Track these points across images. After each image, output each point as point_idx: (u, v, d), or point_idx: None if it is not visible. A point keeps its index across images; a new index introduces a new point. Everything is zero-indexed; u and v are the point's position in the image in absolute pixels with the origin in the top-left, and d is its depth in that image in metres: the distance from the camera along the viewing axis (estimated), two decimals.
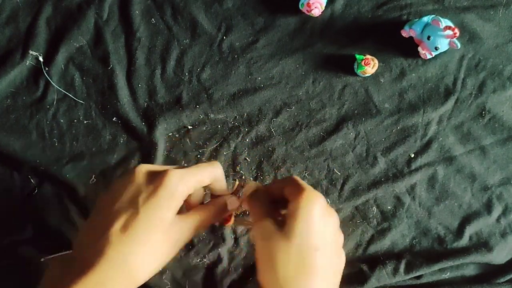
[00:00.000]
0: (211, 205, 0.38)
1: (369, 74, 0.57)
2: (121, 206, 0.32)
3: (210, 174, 0.36)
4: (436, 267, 0.55)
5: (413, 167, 0.57)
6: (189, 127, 0.58)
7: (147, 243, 0.31)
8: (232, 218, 0.44)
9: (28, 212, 0.55)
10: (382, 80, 0.58)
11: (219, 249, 0.56)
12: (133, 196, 0.32)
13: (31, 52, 0.57)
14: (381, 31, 0.58)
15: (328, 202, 0.57)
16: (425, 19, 0.55)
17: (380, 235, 0.57)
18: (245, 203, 0.39)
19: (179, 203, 0.33)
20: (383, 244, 0.57)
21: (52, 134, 0.57)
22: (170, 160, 0.57)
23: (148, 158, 0.56)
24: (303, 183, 0.36)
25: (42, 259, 0.50)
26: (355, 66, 0.57)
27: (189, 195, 0.36)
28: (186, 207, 0.39)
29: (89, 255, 0.30)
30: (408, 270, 0.55)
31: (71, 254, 0.32)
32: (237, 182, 0.42)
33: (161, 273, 0.55)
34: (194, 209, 0.37)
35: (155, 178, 0.32)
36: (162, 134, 0.57)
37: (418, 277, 0.56)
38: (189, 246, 0.56)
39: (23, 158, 0.55)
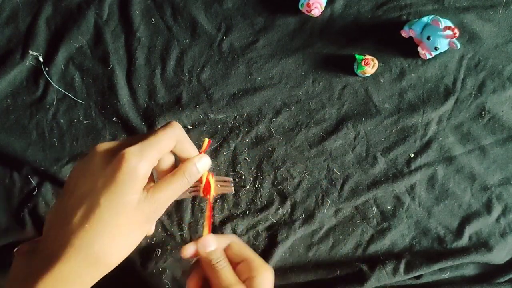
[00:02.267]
0: (180, 170, 0.34)
1: (369, 74, 0.57)
2: (81, 193, 0.30)
3: (170, 139, 0.33)
4: (436, 267, 0.55)
5: (413, 167, 0.57)
6: (189, 127, 0.58)
7: (112, 230, 0.30)
8: (212, 187, 0.40)
9: (28, 212, 0.55)
10: (382, 80, 0.58)
11: None
12: (92, 182, 0.30)
13: (31, 52, 0.57)
14: (381, 31, 0.58)
15: (328, 202, 0.57)
16: (425, 19, 0.55)
17: (380, 235, 0.57)
18: (211, 270, 0.37)
19: (142, 182, 0.31)
20: (383, 244, 0.57)
21: (52, 134, 0.57)
22: None
23: None
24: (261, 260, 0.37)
25: (14, 250, 0.50)
26: (355, 66, 0.57)
27: (158, 163, 0.34)
28: (157, 176, 0.36)
29: (55, 247, 0.30)
30: (408, 270, 0.55)
31: (38, 245, 0.32)
32: (206, 140, 0.39)
33: (161, 273, 0.55)
34: (163, 178, 0.34)
35: (112, 160, 0.30)
36: None
37: (418, 277, 0.56)
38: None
39: (23, 158, 0.55)
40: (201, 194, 0.40)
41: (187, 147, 0.35)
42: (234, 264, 0.38)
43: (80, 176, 0.32)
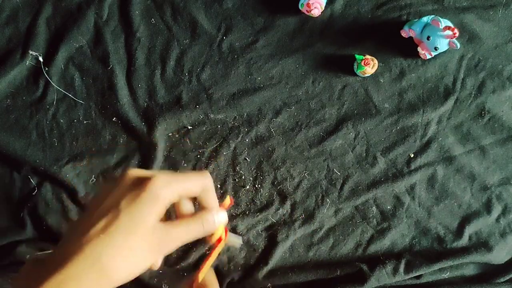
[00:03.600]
0: (198, 216, 0.36)
1: (369, 74, 0.57)
2: (105, 208, 0.32)
3: (198, 183, 0.35)
4: (436, 267, 0.55)
5: (412, 167, 0.57)
6: (189, 127, 0.58)
7: (125, 245, 0.31)
8: (224, 236, 0.41)
9: (28, 212, 0.55)
10: (381, 80, 0.58)
11: None
12: (117, 199, 0.32)
13: (31, 52, 0.57)
14: (380, 31, 0.58)
15: (328, 202, 0.57)
16: (425, 19, 0.55)
17: (380, 235, 0.57)
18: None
19: (162, 208, 0.33)
20: (383, 244, 0.57)
21: (52, 134, 0.57)
22: (170, 160, 0.57)
23: (148, 158, 0.56)
24: None
25: (28, 257, 0.50)
26: (355, 66, 0.57)
27: (178, 205, 0.36)
28: (177, 217, 0.38)
29: (66, 253, 0.31)
30: (407, 270, 0.55)
31: (50, 253, 0.33)
32: (228, 198, 0.41)
33: (161, 279, 0.55)
34: (181, 219, 0.36)
35: (140, 183, 0.33)
36: (162, 134, 0.57)
37: (418, 277, 0.56)
38: (189, 245, 0.56)
39: (23, 158, 0.55)
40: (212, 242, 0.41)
41: (211, 198, 0.37)
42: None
43: (108, 193, 0.33)
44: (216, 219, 0.37)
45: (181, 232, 0.34)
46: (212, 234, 0.39)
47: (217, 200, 0.38)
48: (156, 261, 0.35)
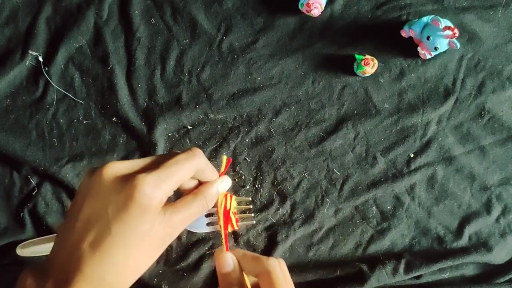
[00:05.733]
0: (199, 193, 0.33)
1: (369, 74, 0.57)
2: (90, 216, 0.29)
3: (190, 168, 0.31)
4: (436, 267, 0.55)
5: (412, 167, 0.57)
6: (189, 127, 0.58)
7: (125, 259, 0.29)
8: (235, 220, 0.38)
9: (28, 212, 0.55)
10: (381, 80, 0.58)
11: None
12: (101, 206, 0.29)
13: (30, 52, 0.57)
14: (380, 31, 0.58)
15: (328, 202, 0.57)
16: (425, 19, 0.55)
17: (380, 235, 0.57)
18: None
19: (156, 212, 0.29)
20: (383, 244, 0.57)
21: (52, 134, 0.57)
22: None
23: None
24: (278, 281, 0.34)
25: (18, 251, 0.49)
26: (355, 66, 0.57)
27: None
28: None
29: (65, 271, 0.28)
30: (407, 270, 0.55)
31: (46, 264, 0.30)
32: (225, 158, 0.37)
33: (161, 279, 0.55)
34: (181, 200, 0.32)
35: (124, 186, 0.28)
36: (162, 134, 0.57)
37: (418, 277, 0.56)
38: (189, 245, 0.56)
39: (23, 158, 0.55)
40: (220, 227, 0.38)
41: (208, 173, 0.34)
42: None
43: (88, 196, 0.30)
44: (221, 189, 0.34)
45: (184, 217, 0.31)
46: (217, 216, 0.37)
47: (215, 170, 0.35)
48: (161, 252, 0.33)
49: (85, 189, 0.30)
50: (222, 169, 0.37)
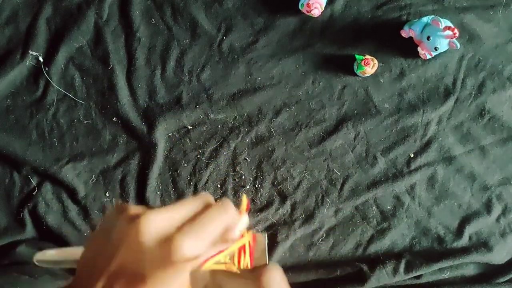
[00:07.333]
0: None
1: (369, 74, 0.57)
2: (124, 259, 0.29)
3: (223, 226, 0.32)
4: (436, 267, 0.55)
5: (412, 167, 0.57)
6: (189, 127, 0.58)
7: None
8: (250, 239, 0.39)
9: (28, 212, 0.55)
10: (381, 80, 0.58)
11: None
12: (138, 258, 0.29)
13: (31, 52, 0.57)
14: (381, 31, 0.58)
15: (328, 202, 0.57)
16: (425, 19, 0.55)
17: (380, 235, 0.57)
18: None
19: (189, 270, 0.29)
20: (383, 244, 0.57)
21: (52, 134, 0.57)
22: (170, 160, 0.57)
23: (148, 158, 0.56)
24: None
25: (34, 259, 0.49)
26: (355, 66, 0.57)
27: None
28: None
29: None
30: (408, 270, 0.55)
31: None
32: (244, 199, 0.38)
33: None
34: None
35: (163, 245, 0.29)
36: (162, 134, 0.57)
37: (418, 277, 0.56)
38: None
39: (24, 158, 0.55)
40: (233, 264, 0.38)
41: (236, 232, 0.34)
42: None
43: (123, 243, 0.29)
44: (241, 228, 0.33)
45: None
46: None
47: (237, 213, 0.34)
48: None
49: (118, 234, 0.30)
50: (242, 209, 0.37)
